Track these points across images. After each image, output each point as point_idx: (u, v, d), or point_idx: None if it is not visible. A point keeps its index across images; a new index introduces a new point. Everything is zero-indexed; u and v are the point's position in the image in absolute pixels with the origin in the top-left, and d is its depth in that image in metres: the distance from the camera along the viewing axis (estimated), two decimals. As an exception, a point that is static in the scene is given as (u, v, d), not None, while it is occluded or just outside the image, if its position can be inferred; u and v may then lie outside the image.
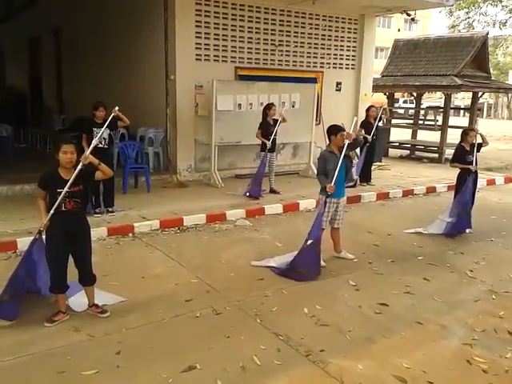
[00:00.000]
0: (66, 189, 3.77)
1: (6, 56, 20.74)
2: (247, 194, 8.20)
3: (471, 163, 6.70)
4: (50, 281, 4.00)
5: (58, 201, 3.79)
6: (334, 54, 11.43)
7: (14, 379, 3.30)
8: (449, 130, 13.34)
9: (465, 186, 6.70)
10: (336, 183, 5.22)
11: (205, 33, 9.43)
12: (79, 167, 3.84)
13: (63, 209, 3.85)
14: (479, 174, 7.30)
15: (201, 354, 3.61)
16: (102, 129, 5.59)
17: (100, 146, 6.40)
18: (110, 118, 5.46)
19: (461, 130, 7.07)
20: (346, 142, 5.20)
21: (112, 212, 6.99)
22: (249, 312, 4.31)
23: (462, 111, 24.70)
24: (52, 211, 3.81)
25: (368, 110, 9.62)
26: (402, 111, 21.57)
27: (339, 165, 5.21)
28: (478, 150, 6.85)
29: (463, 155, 6.76)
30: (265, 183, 8.50)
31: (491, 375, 3.47)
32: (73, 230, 3.94)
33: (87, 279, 4.13)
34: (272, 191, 8.65)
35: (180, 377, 3.35)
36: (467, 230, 6.86)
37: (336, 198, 5.44)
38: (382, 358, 3.65)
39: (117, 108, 6.02)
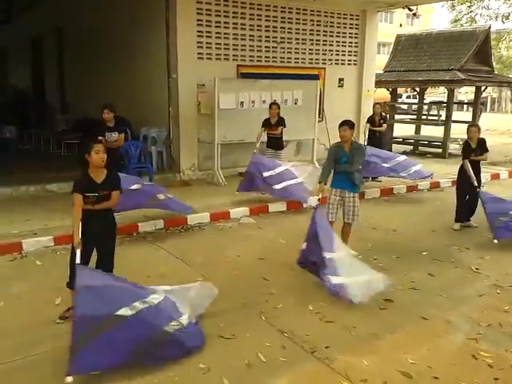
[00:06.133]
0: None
1: (9, 57, 20.79)
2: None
3: None
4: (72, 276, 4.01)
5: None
6: (336, 51, 11.40)
7: (16, 381, 3.32)
8: (452, 124, 13.29)
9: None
10: (337, 175, 5.46)
11: (206, 31, 9.43)
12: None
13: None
14: (483, 168, 7.24)
15: (206, 352, 3.62)
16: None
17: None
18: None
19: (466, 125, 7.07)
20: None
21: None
22: (254, 309, 4.33)
23: (465, 106, 24.56)
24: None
25: (373, 106, 9.88)
26: (405, 107, 21.46)
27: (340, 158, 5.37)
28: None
29: (468, 152, 6.73)
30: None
31: (497, 369, 3.48)
32: (99, 230, 4.01)
33: None
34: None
35: (186, 375, 3.37)
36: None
37: (338, 188, 5.47)
38: (387, 353, 3.66)
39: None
